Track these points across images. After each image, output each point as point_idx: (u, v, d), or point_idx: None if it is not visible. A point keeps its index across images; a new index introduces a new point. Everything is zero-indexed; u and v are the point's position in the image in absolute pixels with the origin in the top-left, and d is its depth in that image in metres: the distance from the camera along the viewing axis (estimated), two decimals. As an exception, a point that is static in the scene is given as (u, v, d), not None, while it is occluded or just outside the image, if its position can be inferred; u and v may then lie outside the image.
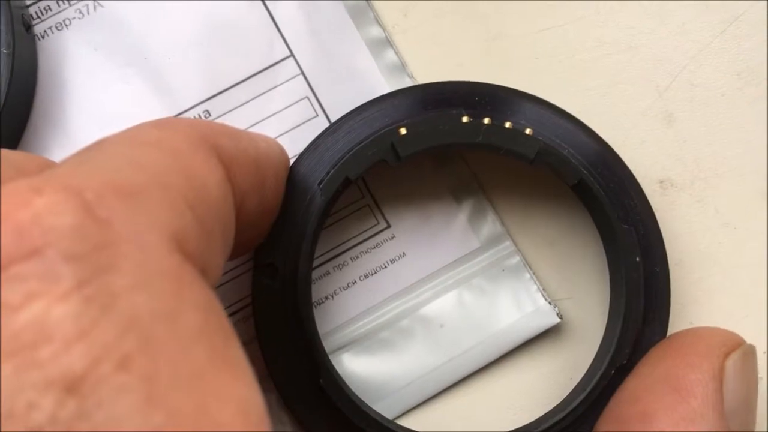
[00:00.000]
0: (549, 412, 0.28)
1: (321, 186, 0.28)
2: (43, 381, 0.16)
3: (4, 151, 0.21)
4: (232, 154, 0.23)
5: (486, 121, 0.28)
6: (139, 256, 0.18)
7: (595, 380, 0.27)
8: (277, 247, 0.27)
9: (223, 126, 0.25)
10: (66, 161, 0.20)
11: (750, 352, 0.26)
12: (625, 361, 0.27)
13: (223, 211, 0.22)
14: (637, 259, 0.27)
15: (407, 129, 0.27)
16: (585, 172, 0.28)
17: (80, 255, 0.17)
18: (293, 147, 0.30)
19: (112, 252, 0.17)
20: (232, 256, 0.25)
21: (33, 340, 0.16)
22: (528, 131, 0.28)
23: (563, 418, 0.27)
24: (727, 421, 0.25)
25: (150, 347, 0.17)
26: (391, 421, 0.28)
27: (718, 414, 0.25)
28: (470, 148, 0.28)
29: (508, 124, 0.28)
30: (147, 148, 0.21)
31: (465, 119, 0.28)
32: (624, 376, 0.27)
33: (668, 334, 0.28)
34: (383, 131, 0.28)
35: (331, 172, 0.28)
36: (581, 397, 0.27)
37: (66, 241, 0.17)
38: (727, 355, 0.26)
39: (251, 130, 0.30)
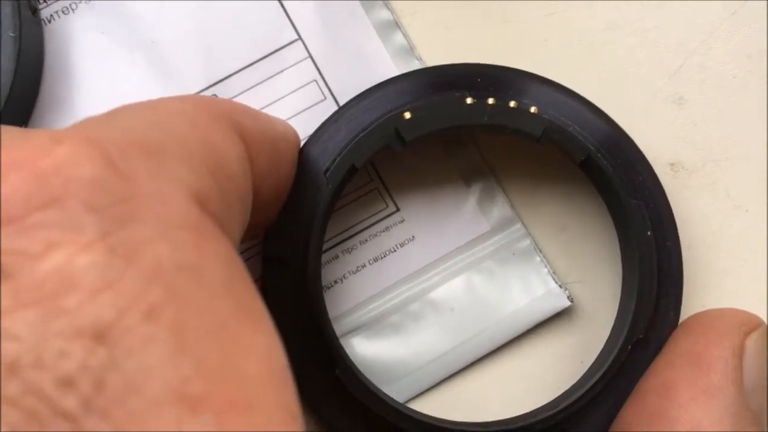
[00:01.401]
0: (567, 390, 0.28)
1: (327, 175, 0.27)
2: (72, 329, 0.16)
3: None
4: (252, 133, 0.23)
5: (490, 101, 0.27)
6: (162, 210, 0.18)
7: (613, 356, 0.27)
8: (285, 239, 0.27)
9: (243, 106, 0.25)
10: (89, 119, 0.20)
11: None
12: (641, 336, 0.27)
13: (241, 186, 0.22)
14: (649, 233, 0.27)
15: (411, 113, 0.27)
16: (592, 148, 0.28)
17: (102, 206, 0.17)
18: (301, 131, 0.29)
19: (134, 205, 0.17)
20: (245, 237, 0.24)
21: (57, 289, 0.16)
22: (533, 110, 0.28)
23: (583, 395, 0.27)
24: (745, 398, 0.25)
25: (176, 298, 0.17)
26: (410, 408, 0.27)
27: (737, 389, 0.25)
28: (476, 130, 0.28)
29: (512, 104, 0.28)
30: (171, 116, 0.21)
31: (469, 101, 0.28)
32: (641, 351, 0.27)
33: (682, 308, 0.28)
34: (387, 117, 0.28)
35: (337, 160, 0.27)
36: (600, 374, 0.27)
37: (88, 191, 0.17)
38: (747, 334, 0.26)
39: (260, 113, 0.30)
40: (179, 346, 0.16)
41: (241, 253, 0.30)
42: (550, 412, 0.27)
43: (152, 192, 0.18)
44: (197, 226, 0.18)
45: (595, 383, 0.27)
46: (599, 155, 0.28)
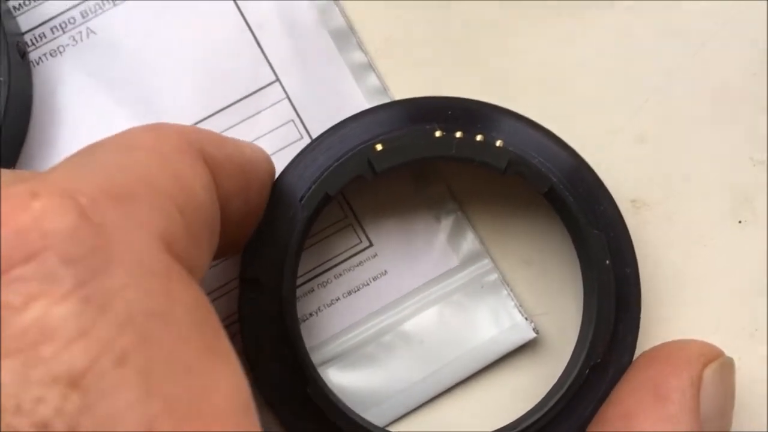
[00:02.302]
0: (528, 411, 0.29)
1: (302, 202, 0.29)
2: (49, 376, 0.17)
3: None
4: (218, 159, 0.25)
5: (458, 135, 0.29)
6: (132, 257, 0.19)
7: (571, 379, 0.28)
8: (261, 262, 0.29)
9: (209, 132, 0.26)
10: (59, 166, 0.21)
11: (728, 364, 0.28)
12: (599, 360, 0.28)
13: (208, 213, 0.23)
14: (607, 262, 0.29)
15: (383, 145, 0.29)
16: (555, 180, 0.29)
17: (77, 257, 0.18)
18: (278, 168, 0.31)
19: (106, 254, 0.19)
20: (218, 255, 0.26)
21: (36, 339, 0.17)
22: (499, 143, 0.29)
23: (542, 417, 0.28)
24: (702, 425, 0.26)
25: (145, 343, 0.18)
26: (378, 427, 0.29)
27: (694, 418, 0.26)
28: (444, 161, 0.29)
29: (479, 137, 0.29)
30: (137, 153, 0.22)
31: (438, 134, 0.29)
32: (599, 375, 0.28)
33: (640, 336, 0.29)
34: (360, 147, 0.29)
35: (312, 188, 0.29)
36: (558, 396, 0.28)
37: (64, 244, 0.18)
38: (705, 365, 0.27)
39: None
40: (148, 388, 0.18)
41: (223, 285, 0.31)
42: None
43: (123, 240, 0.19)
44: (166, 271, 0.20)
45: (554, 404, 0.28)
46: (562, 187, 0.29)
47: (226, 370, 0.20)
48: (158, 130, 0.24)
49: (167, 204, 0.21)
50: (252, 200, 0.27)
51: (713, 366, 0.28)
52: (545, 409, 0.28)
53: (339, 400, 0.29)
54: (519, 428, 0.28)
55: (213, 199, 0.24)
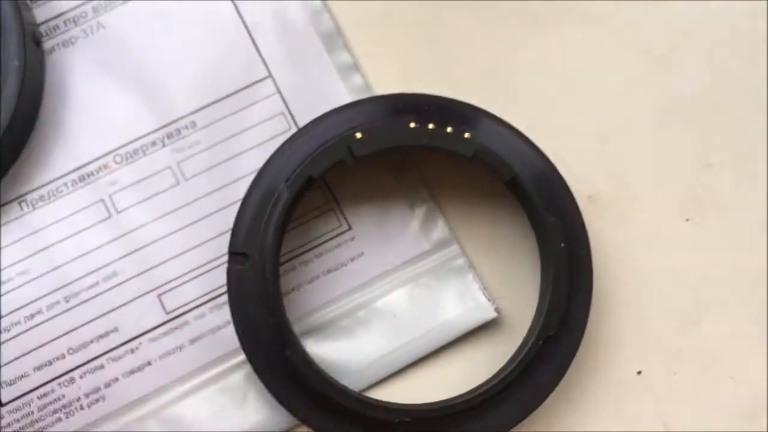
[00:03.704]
0: (485, 380, 0.32)
1: (288, 183, 0.32)
2: None
3: None
4: None
5: (430, 126, 0.32)
6: None
7: (527, 348, 0.31)
8: (248, 237, 0.32)
9: None
10: None
11: None
12: (552, 333, 0.31)
13: None
14: (562, 245, 0.32)
15: (362, 134, 0.32)
16: (517, 171, 0.32)
17: None
18: (268, 155, 0.34)
19: None
20: None
21: None
22: (467, 135, 0.32)
23: (497, 383, 0.31)
24: None
25: None
26: (349, 389, 0.32)
27: None
28: (417, 149, 0.32)
29: (449, 129, 0.32)
30: None
31: (412, 125, 0.32)
32: (552, 347, 0.31)
33: (590, 314, 0.32)
34: (342, 136, 0.32)
35: (297, 171, 0.32)
36: (514, 364, 0.31)
37: None
38: None
39: (230, 140, 0.35)
40: None
41: (212, 260, 0.34)
42: (470, 396, 0.31)
43: None
44: None
45: (511, 371, 0.31)
46: (523, 176, 0.32)
47: None
48: None
49: None
50: None
51: None
52: (503, 375, 0.31)
53: (316, 364, 0.31)
54: (479, 392, 0.31)
55: None
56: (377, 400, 0.32)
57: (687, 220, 0.35)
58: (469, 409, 0.31)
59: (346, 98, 0.35)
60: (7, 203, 0.34)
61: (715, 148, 0.35)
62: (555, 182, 0.33)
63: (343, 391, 0.31)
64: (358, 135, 0.32)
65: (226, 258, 0.33)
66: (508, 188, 0.33)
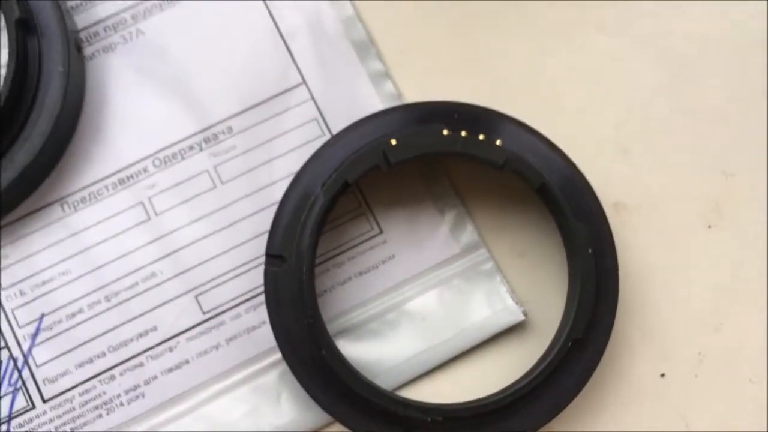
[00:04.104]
0: (515, 381, 0.33)
1: (323, 188, 0.33)
2: None
3: None
4: None
5: (463, 134, 0.33)
6: None
7: (555, 351, 0.32)
8: (285, 240, 0.33)
9: None
10: None
11: None
12: (580, 336, 0.32)
13: None
14: (590, 250, 0.33)
15: (397, 140, 0.33)
16: (546, 177, 0.33)
17: None
18: (301, 161, 0.34)
19: None
20: None
21: None
22: (498, 142, 0.33)
23: (527, 384, 0.32)
24: None
25: None
26: (382, 388, 0.33)
27: None
28: (450, 156, 0.33)
29: (481, 137, 0.33)
30: None
31: (445, 132, 0.33)
32: (579, 350, 0.32)
33: (616, 319, 0.33)
34: (377, 142, 0.33)
35: (333, 176, 0.33)
36: (542, 366, 0.32)
37: None
38: None
39: (265, 145, 0.36)
40: None
41: (249, 261, 0.35)
42: (501, 396, 0.32)
43: None
44: None
45: (540, 372, 0.32)
46: (553, 184, 0.33)
47: None
48: None
49: None
50: None
51: None
52: (532, 376, 0.32)
53: (350, 364, 0.32)
54: (508, 392, 0.32)
55: None
56: (411, 400, 0.32)
57: (709, 227, 0.36)
58: (500, 408, 0.32)
59: (378, 105, 0.36)
60: (49, 205, 0.35)
61: (737, 156, 0.36)
62: (582, 190, 0.34)
63: (377, 389, 0.32)
64: (393, 141, 0.33)
65: (260, 260, 0.34)
66: (538, 195, 0.34)
